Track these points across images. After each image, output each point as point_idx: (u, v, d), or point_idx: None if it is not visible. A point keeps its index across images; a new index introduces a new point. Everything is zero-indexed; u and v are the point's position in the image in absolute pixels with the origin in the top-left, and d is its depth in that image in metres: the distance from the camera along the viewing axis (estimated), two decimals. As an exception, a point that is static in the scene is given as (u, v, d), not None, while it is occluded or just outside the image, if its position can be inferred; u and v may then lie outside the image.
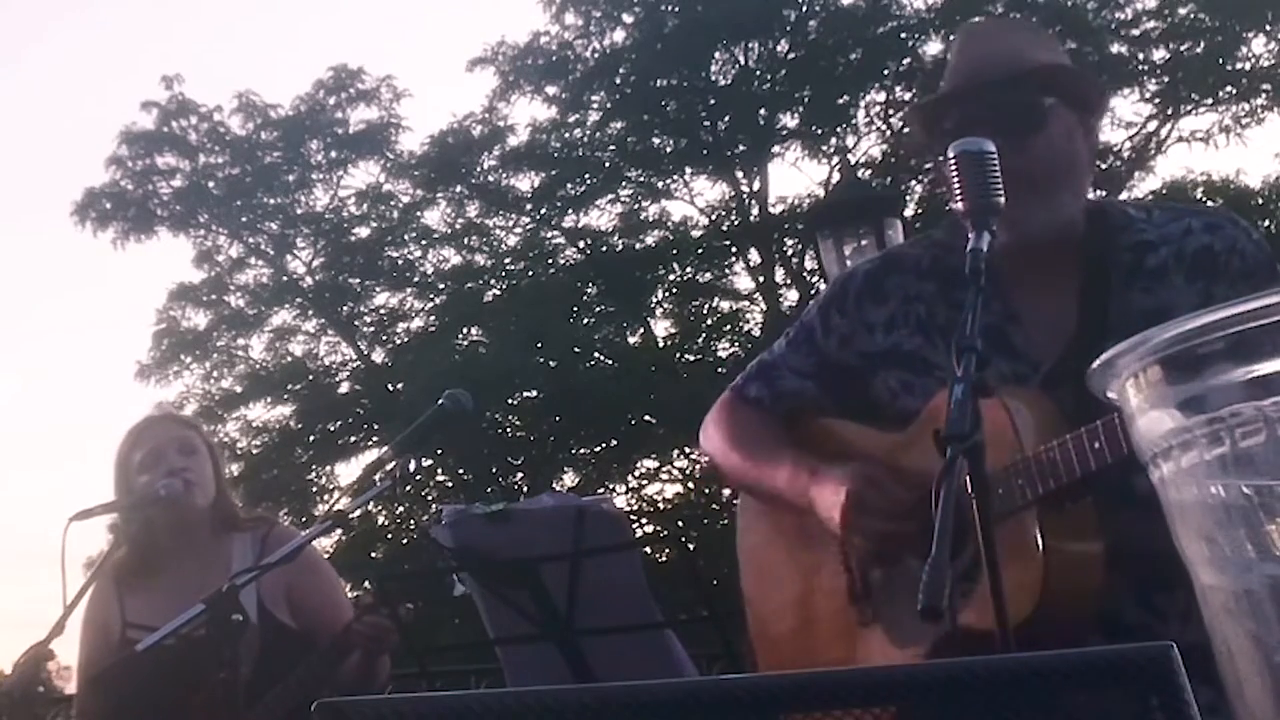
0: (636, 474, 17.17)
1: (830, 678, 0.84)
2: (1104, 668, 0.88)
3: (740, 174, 16.39)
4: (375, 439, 16.07)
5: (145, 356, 16.99)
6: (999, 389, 1.79)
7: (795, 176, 29.79)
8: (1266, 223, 15.06)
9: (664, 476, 17.18)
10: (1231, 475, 0.81)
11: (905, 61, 15.37)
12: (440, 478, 16.28)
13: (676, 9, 15.79)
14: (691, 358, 16.85)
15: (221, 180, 16.86)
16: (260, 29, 29.89)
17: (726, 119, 16.25)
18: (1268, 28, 14.71)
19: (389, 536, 16.63)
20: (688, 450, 15.70)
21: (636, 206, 17.02)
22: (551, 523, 2.45)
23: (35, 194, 30.68)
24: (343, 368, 17.41)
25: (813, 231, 9.19)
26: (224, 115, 16.82)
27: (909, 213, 13.69)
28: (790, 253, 16.44)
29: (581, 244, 17.07)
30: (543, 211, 16.98)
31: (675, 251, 16.84)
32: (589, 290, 17.10)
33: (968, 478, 1.39)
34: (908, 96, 14.99)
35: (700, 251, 16.90)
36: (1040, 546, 1.72)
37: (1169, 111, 15.40)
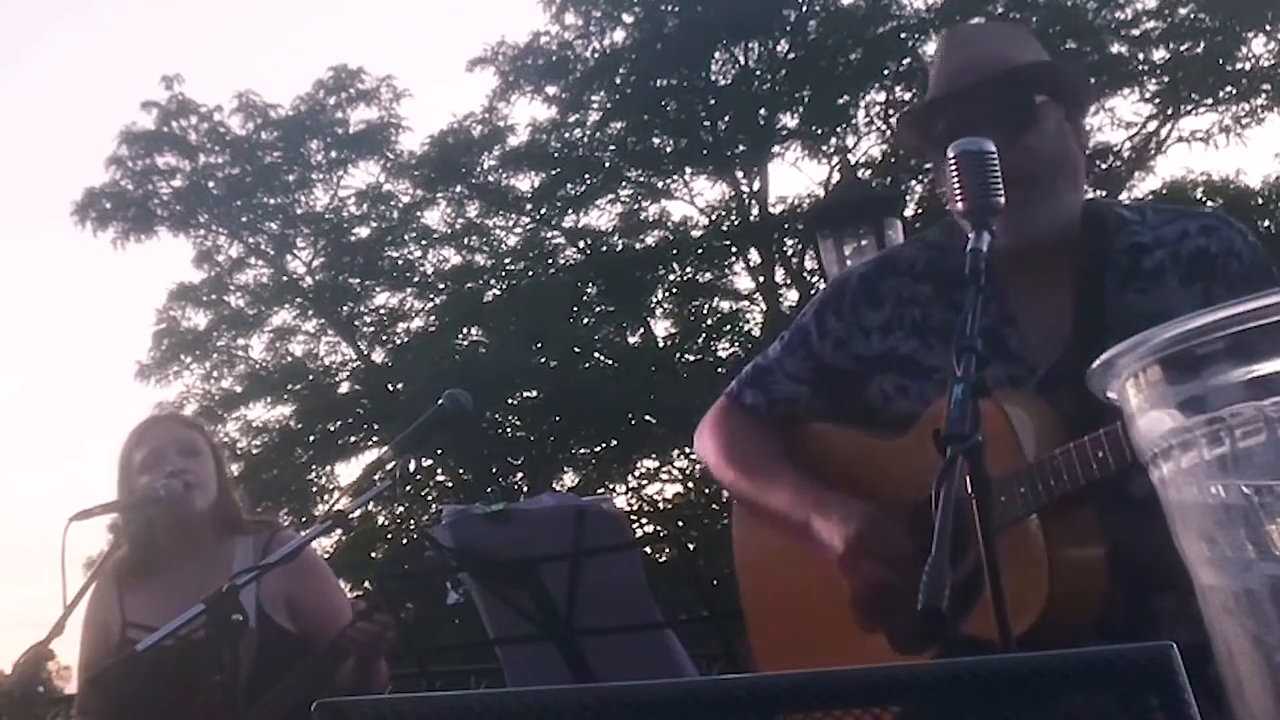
0: (636, 474, 17.19)
1: (830, 678, 0.84)
2: (1104, 668, 0.88)
3: (740, 174, 16.39)
4: (375, 439, 16.07)
5: (145, 356, 17.02)
6: (996, 393, 1.79)
7: (795, 176, 29.87)
8: (1266, 223, 15.06)
9: (664, 476, 17.19)
10: (1231, 475, 0.81)
11: (905, 61, 15.36)
12: (440, 478, 16.28)
13: (676, 9, 15.79)
14: (691, 358, 16.85)
15: (221, 180, 16.86)
16: (260, 29, 29.92)
17: (726, 119, 16.25)
18: (1268, 28, 14.71)
19: (389, 536, 16.62)
20: (688, 450, 15.68)
21: (636, 206, 17.03)
22: (551, 523, 2.45)
23: (35, 194, 30.72)
24: (343, 368, 17.41)
25: (813, 231, 9.19)
26: (224, 115, 16.85)
27: (909, 213, 13.70)
28: (790, 253, 16.44)
29: (581, 244, 17.07)
30: (543, 211, 16.98)
31: (675, 251, 16.84)
32: (589, 290, 17.10)
33: (968, 480, 1.39)
34: (908, 96, 14.99)
35: (700, 251, 16.90)
36: (1046, 556, 1.72)
37: (1169, 111, 15.40)
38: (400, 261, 17.16)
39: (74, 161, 34.91)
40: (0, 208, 30.03)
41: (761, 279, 16.39)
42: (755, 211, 16.30)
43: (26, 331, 31.25)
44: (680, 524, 15.70)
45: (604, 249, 16.94)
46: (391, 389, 16.38)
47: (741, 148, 16.21)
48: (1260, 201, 15.54)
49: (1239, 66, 15.02)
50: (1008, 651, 1.36)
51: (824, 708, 0.81)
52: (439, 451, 14.70)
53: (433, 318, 17.14)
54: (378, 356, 17.30)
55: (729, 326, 16.94)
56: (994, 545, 1.40)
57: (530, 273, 17.01)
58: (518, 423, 16.78)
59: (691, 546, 12.22)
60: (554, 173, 16.57)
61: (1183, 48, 15.07)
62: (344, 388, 17.28)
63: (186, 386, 17.17)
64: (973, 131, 1.77)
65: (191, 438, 3.04)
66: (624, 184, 16.76)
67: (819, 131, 15.97)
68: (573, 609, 2.36)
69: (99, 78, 32.31)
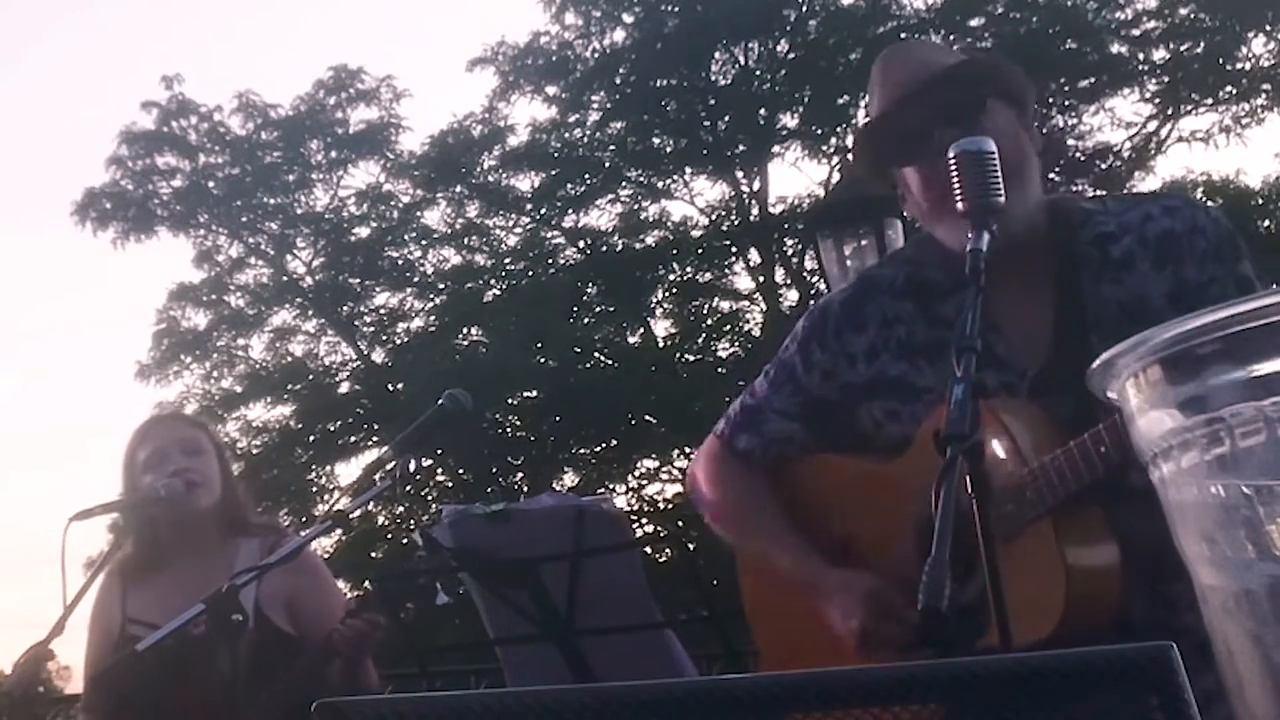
0: (636, 474, 17.20)
1: (830, 678, 0.84)
2: (1104, 668, 0.88)
3: (740, 174, 16.40)
4: (375, 439, 16.08)
5: (145, 356, 17.04)
6: (990, 402, 1.78)
7: (795, 176, 29.82)
8: (1266, 223, 15.06)
9: (664, 476, 17.19)
10: (1231, 475, 0.81)
11: (905, 61, 15.33)
12: (440, 478, 16.28)
13: (676, 9, 15.80)
14: (691, 358, 16.86)
15: (221, 180, 16.87)
16: (260, 29, 29.93)
17: (726, 119, 16.26)
18: (1268, 28, 14.72)
19: (389, 536, 16.62)
20: (688, 450, 15.69)
21: (636, 206, 17.04)
22: (551, 523, 2.45)
23: (35, 194, 30.72)
24: (343, 368, 17.42)
25: (813, 231, 9.18)
26: (224, 115, 16.87)
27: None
28: (790, 253, 16.44)
29: (581, 244, 17.08)
30: (543, 211, 16.99)
31: (675, 251, 16.85)
32: (589, 290, 17.11)
33: (968, 481, 1.38)
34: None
35: (700, 251, 16.91)
36: (1061, 561, 1.71)
37: (1169, 111, 15.41)
38: (400, 261, 17.17)
39: (74, 161, 34.95)
40: (0, 208, 30.05)
41: (761, 279, 16.39)
42: (755, 211, 16.30)
43: (26, 331, 31.28)
44: (680, 524, 15.68)
45: (604, 249, 16.95)
46: (391, 389, 16.38)
47: (741, 148, 16.22)
48: (1260, 201, 15.55)
49: (1239, 66, 15.04)
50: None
51: (824, 708, 0.81)
52: (439, 451, 14.70)
53: (433, 318, 17.15)
54: (378, 356, 17.31)
55: (729, 326, 16.95)
56: (993, 545, 1.40)
57: (530, 273, 17.02)
58: (518, 423, 16.79)
59: (691, 546, 12.19)
60: (554, 173, 16.58)
61: (1183, 48, 15.08)
62: (344, 388, 17.29)
63: (186, 386, 17.21)
64: (926, 131, 1.76)
65: (195, 436, 3.04)
66: (624, 184, 16.77)
67: (819, 131, 15.98)
68: (573, 609, 2.36)
69: (99, 78, 32.33)
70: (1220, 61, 14.92)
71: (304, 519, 15.59)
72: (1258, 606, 0.81)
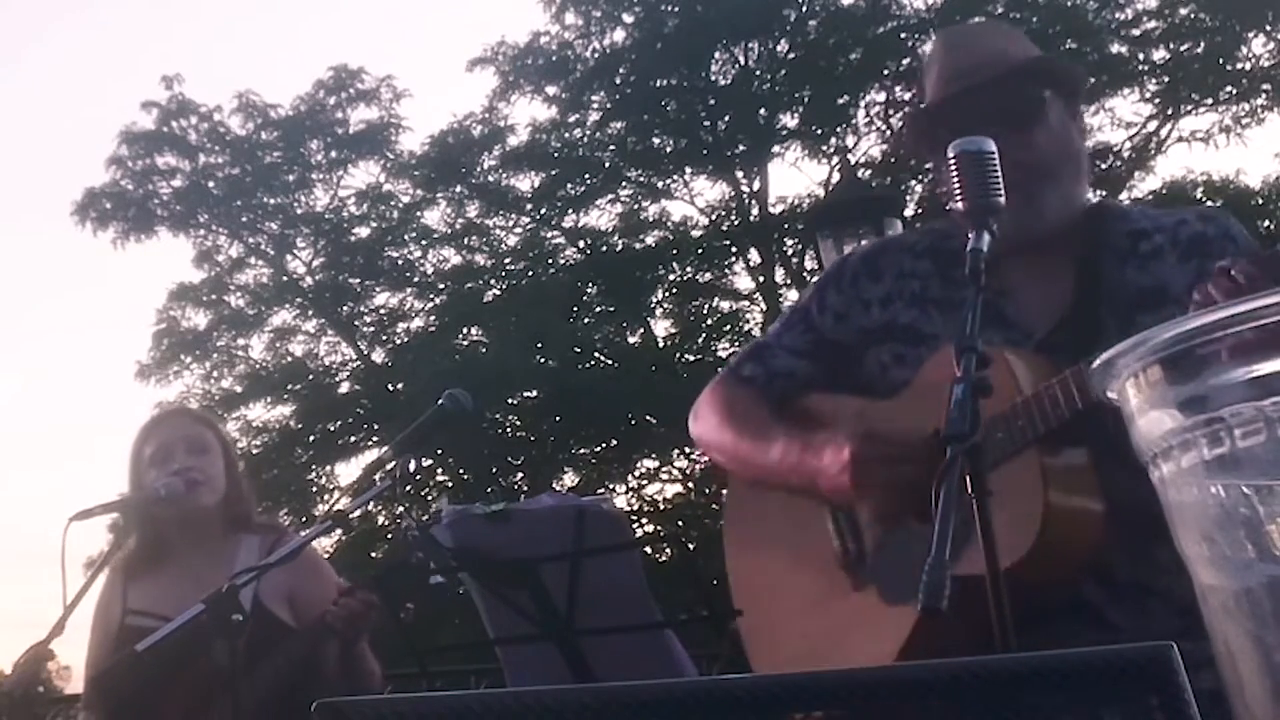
0: (636, 474, 17.19)
1: (830, 678, 0.84)
2: (1104, 668, 0.88)
3: (740, 174, 16.40)
4: (375, 439, 16.08)
5: (145, 356, 17.03)
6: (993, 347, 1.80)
7: (795, 176, 29.84)
8: (1267, 223, 15.06)
9: (664, 476, 17.19)
10: (1232, 475, 0.81)
11: (905, 61, 15.36)
12: (440, 478, 16.28)
13: (676, 9, 15.79)
14: (691, 358, 16.85)
15: (221, 180, 16.86)
16: (260, 29, 29.92)
17: (726, 119, 16.25)
18: (1268, 28, 14.71)
19: (389, 536, 16.62)
20: (688, 450, 15.70)
21: (636, 206, 17.04)
22: (551, 523, 2.45)
23: (35, 194, 30.71)
24: (343, 368, 17.41)
25: (813, 231, 9.20)
26: (224, 115, 16.85)
27: (909, 213, 13.70)
28: (790, 253, 16.44)
29: (581, 244, 17.07)
30: (543, 211, 16.98)
31: (675, 251, 16.85)
32: (589, 290, 17.11)
33: (968, 480, 1.39)
34: (908, 96, 14.98)
35: (700, 251, 16.91)
36: (1043, 484, 1.72)
37: (1169, 111, 15.40)
38: (400, 261, 17.17)
39: (74, 161, 34.94)
40: (0, 208, 30.05)
41: (761, 279, 16.39)
42: (755, 211, 16.30)
43: (26, 331, 31.27)
44: (680, 524, 15.71)
45: (604, 249, 16.94)
46: (391, 389, 16.38)
47: (741, 148, 16.22)
48: (1260, 201, 15.55)
49: (1239, 66, 15.03)
50: (998, 593, 1.36)
51: (824, 707, 0.81)
52: (439, 451, 14.70)
53: (433, 318, 17.14)
54: (378, 356, 17.30)
55: (729, 326, 16.94)
56: (993, 544, 1.40)
57: (530, 273, 17.01)
58: (518, 423, 16.78)
59: (691, 546, 12.22)
60: (554, 173, 16.57)
61: (1183, 48, 15.08)
62: (344, 388, 17.29)
63: (186, 386, 17.19)
64: (980, 129, 1.78)
65: (201, 434, 3.04)
66: (624, 184, 16.77)
67: (819, 131, 15.97)
68: (573, 609, 2.36)
69: (99, 78, 32.34)
70: (1220, 61, 14.92)
71: (304, 519, 15.58)
72: (1258, 606, 0.81)
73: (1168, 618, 1.70)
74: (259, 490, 14.86)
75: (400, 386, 16.08)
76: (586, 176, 16.56)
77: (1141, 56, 15.34)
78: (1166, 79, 15.23)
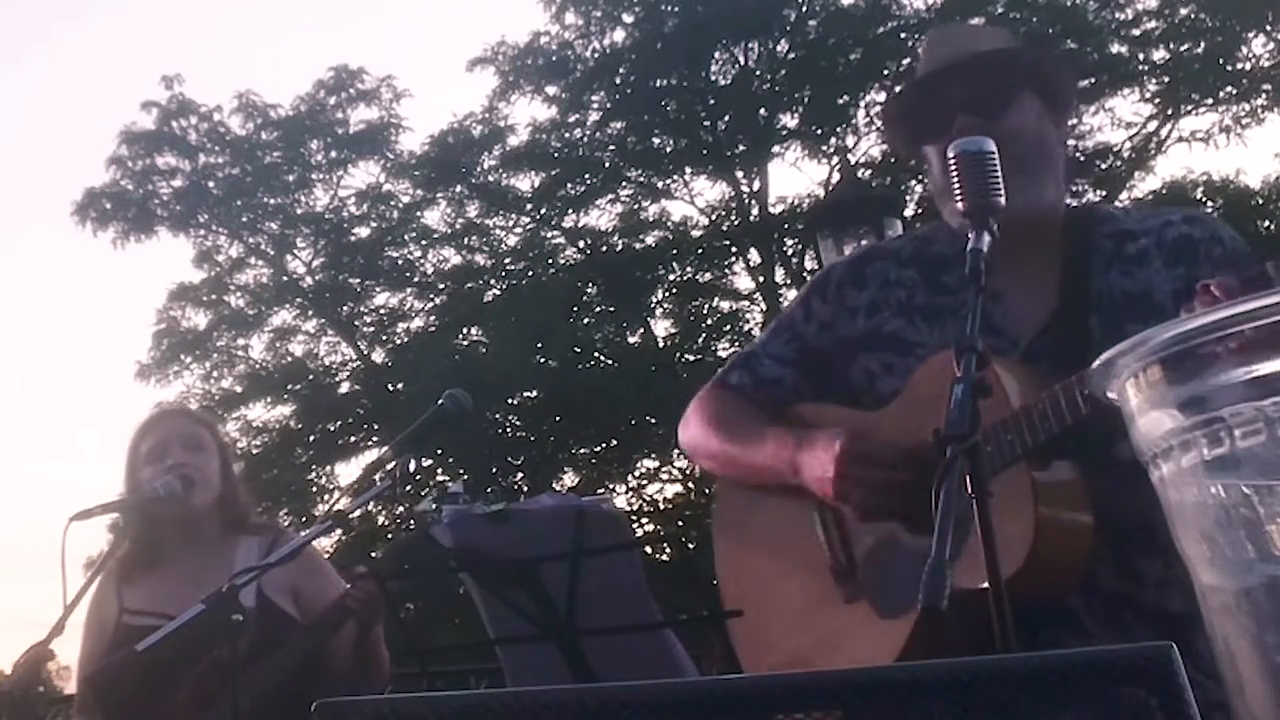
0: (636, 474, 17.18)
1: (830, 678, 0.84)
2: (1104, 668, 0.88)
3: (740, 174, 16.39)
4: (375, 439, 16.07)
5: (145, 356, 17.01)
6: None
7: (795, 176, 29.87)
8: (1267, 223, 15.05)
9: (664, 476, 17.18)
10: (1231, 475, 0.81)
11: (905, 61, 15.35)
12: (440, 478, 16.27)
13: (676, 9, 15.79)
14: (691, 358, 16.83)
15: (221, 180, 16.85)
16: (260, 29, 29.91)
17: (726, 119, 16.25)
18: (1268, 28, 14.70)
19: (389, 536, 16.61)
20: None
21: (636, 206, 17.02)
22: (551, 523, 2.46)
23: (35, 194, 30.71)
24: (343, 368, 17.40)
25: (813, 231, 9.20)
26: (224, 115, 16.83)
27: (909, 213, 13.69)
28: (790, 253, 16.43)
29: (581, 244, 17.06)
30: (543, 211, 16.98)
31: (675, 251, 16.83)
32: (589, 290, 17.10)
33: (968, 480, 1.39)
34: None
35: (700, 251, 16.90)
36: (1034, 500, 1.72)
37: (1169, 111, 15.39)
38: (400, 261, 17.16)
39: (74, 161, 34.94)
40: (0, 208, 30.04)
41: (761, 279, 16.38)
42: (755, 211, 16.29)
43: (26, 331, 31.27)
44: (680, 524, 15.70)
45: (604, 249, 16.93)
46: (391, 389, 16.37)
47: (741, 148, 16.21)
48: (1260, 201, 15.54)
49: (1239, 66, 15.02)
50: (999, 605, 1.37)
51: (823, 707, 0.81)
52: (439, 451, 14.69)
53: (433, 318, 17.14)
54: (378, 356, 17.30)
55: (729, 326, 16.93)
56: (993, 543, 1.40)
57: (530, 273, 17.00)
58: (518, 423, 16.77)
59: (691, 546, 12.21)
60: (554, 173, 16.56)
61: (1183, 48, 15.06)
62: (344, 388, 17.28)
63: (186, 386, 17.18)
64: (944, 115, 1.78)
65: (197, 433, 3.05)
66: (624, 184, 16.76)
67: (819, 131, 15.97)
68: (573, 609, 2.36)
69: (99, 78, 32.34)
70: (1220, 61, 14.90)
71: (304, 519, 15.57)
72: (1258, 606, 0.81)
73: (1148, 633, 1.71)
74: (259, 490, 14.95)
75: (400, 386, 16.07)
76: (586, 176, 16.55)
77: (1141, 56, 15.34)
78: (1166, 79, 15.22)
